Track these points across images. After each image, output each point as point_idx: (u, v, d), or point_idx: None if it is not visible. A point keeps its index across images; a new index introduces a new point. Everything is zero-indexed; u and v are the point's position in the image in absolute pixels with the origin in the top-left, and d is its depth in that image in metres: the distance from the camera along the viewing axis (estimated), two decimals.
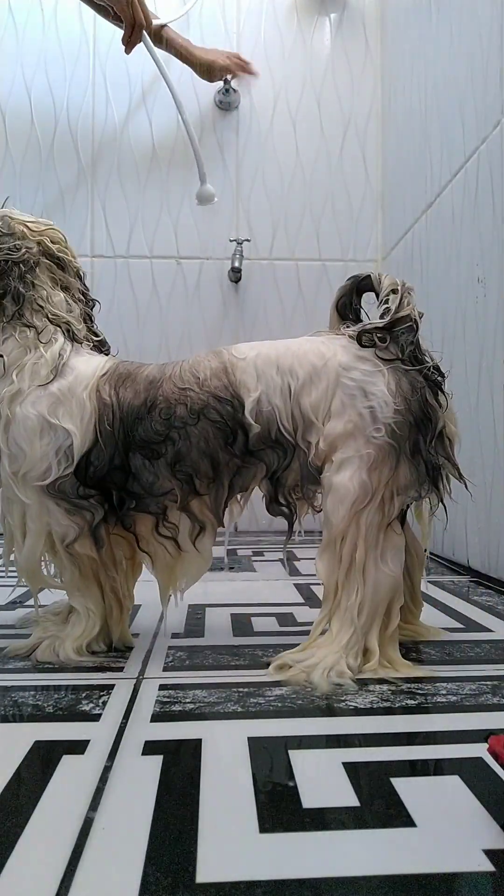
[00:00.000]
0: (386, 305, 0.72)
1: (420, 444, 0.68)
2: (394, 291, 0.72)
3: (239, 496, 0.75)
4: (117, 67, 1.88)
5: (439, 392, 0.70)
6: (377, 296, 0.74)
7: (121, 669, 0.67)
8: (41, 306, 0.75)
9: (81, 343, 0.77)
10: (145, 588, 0.96)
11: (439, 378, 0.71)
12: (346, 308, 0.77)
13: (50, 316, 0.75)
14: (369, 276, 0.75)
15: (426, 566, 0.79)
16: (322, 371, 0.70)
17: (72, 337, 0.76)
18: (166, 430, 0.70)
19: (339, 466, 0.68)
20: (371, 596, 0.66)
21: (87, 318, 0.80)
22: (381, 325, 0.71)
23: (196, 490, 0.71)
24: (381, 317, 0.72)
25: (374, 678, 0.63)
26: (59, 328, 0.75)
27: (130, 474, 0.71)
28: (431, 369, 0.70)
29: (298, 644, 0.68)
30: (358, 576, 0.67)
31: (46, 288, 0.76)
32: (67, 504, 0.71)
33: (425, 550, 0.76)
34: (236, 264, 1.82)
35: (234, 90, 1.85)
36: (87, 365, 0.74)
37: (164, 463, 0.70)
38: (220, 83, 1.83)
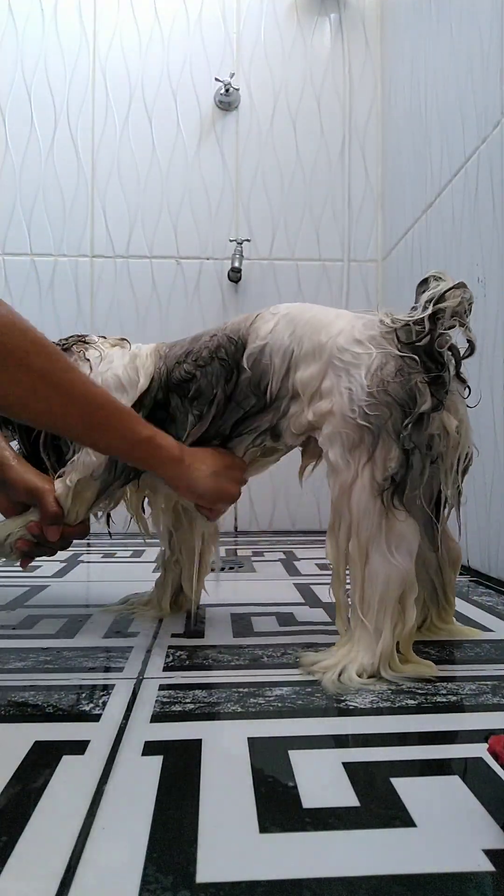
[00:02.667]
0: (422, 297, 0.68)
1: (403, 425, 0.65)
2: (436, 279, 0.68)
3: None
4: (117, 67, 1.88)
5: (438, 382, 0.66)
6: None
7: (121, 669, 0.67)
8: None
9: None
10: (146, 588, 0.96)
11: (438, 368, 0.66)
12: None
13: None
14: (427, 278, 0.70)
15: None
16: (323, 349, 0.72)
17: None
18: (194, 370, 0.78)
19: (327, 443, 0.70)
20: (380, 590, 0.64)
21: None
22: (413, 318, 0.67)
23: (200, 422, 0.78)
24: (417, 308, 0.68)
25: (376, 678, 0.63)
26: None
27: (168, 413, 0.80)
28: (430, 357, 0.66)
29: (298, 644, 0.68)
30: (358, 567, 0.66)
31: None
32: None
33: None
34: (236, 264, 1.82)
35: (234, 89, 1.85)
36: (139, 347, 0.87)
37: (188, 399, 0.78)
38: (220, 84, 1.84)
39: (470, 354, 0.70)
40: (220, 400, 0.77)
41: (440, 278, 0.68)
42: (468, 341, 0.69)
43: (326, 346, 0.71)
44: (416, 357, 0.66)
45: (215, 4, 1.90)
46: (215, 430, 0.79)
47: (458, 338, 0.69)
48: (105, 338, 0.89)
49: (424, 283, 0.70)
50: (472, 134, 1.23)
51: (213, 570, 0.92)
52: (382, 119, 1.91)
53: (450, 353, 0.68)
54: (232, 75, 1.84)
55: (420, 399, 0.65)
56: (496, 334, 1.11)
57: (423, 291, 0.68)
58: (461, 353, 0.70)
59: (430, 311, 0.66)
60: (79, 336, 0.88)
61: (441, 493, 0.72)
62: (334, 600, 0.69)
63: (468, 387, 0.72)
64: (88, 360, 0.84)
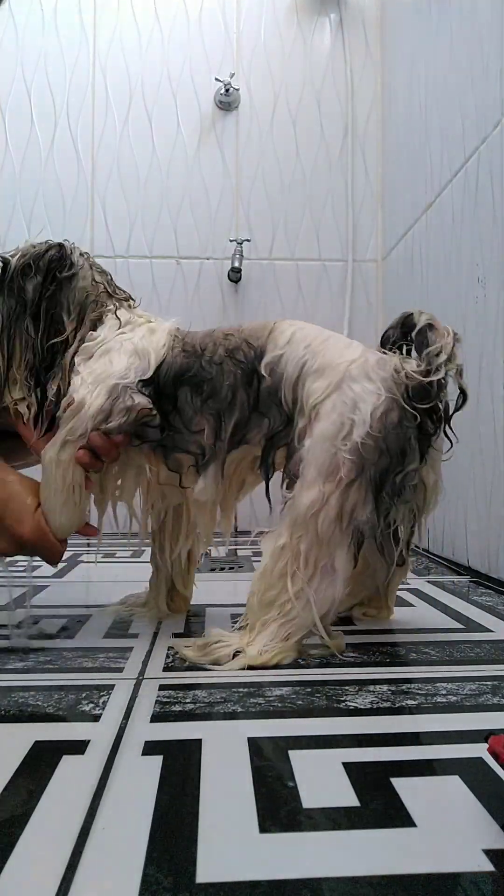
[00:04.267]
0: (428, 352, 0.70)
1: (387, 477, 0.68)
2: (430, 327, 0.71)
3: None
4: (117, 67, 1.88)
5: (427, 441, 0.70)
6: (417, 334, 0.73)
7: (121, 669, 0.67)
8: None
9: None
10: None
11: (434, 429, 0.70)
12: (388, 342, 0.78)
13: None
14: (412, 314, 0.75)
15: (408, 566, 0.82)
16: (335, 370, 0.72)
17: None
18: (209, 366, 0.75)
19: (307, 461, 0.70)
20: (311, 608, 0.68)
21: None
22: (419, 373, 0.69)
23: (222, 425, 0.75)
24: (420, 360, 0.71)
25: (372, 678, 0.63)
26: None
27: (175, 406, 0.76)
28: (430, 417, 0.69)
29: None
30: (300, 580, 0.68)
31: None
32: None
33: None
34: (236, 264, 1.82)
35: (234, 89, 1.85)
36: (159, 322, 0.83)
37: (202, 398, 0.75)
38: (220, 84, 1.84)
39: (462, 404, 0.73)
40: (244, 402, 0.75)
41: (433, 325, 0.71)
42: (460, 389, 0.72)
43: (339, 368, 0.72)
44: (418, 415, 0.68)
45: (215, 4, 1.90)
46: (240, 437, 0.76)
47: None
48: (140, 314, 0.84)
49: (421, 334, 0.71)
50: (472, 134, 1.23)
51: (198, 570, 0.93)
52: (382, 119, 1.91)
53: (442, 410, 0.71)
54: (232, 75, 1.85)
55: (410, 456, 0.69)
56: (496, 334, 1.11)
57: (423, 342, 0.71)
58: (452, 408, 0.73)
59: (442, 373, 0.68)
60: (123, 293, 0.84)
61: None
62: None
63: (451, 441, 0.74)
64: (119, 318, 0.80)
